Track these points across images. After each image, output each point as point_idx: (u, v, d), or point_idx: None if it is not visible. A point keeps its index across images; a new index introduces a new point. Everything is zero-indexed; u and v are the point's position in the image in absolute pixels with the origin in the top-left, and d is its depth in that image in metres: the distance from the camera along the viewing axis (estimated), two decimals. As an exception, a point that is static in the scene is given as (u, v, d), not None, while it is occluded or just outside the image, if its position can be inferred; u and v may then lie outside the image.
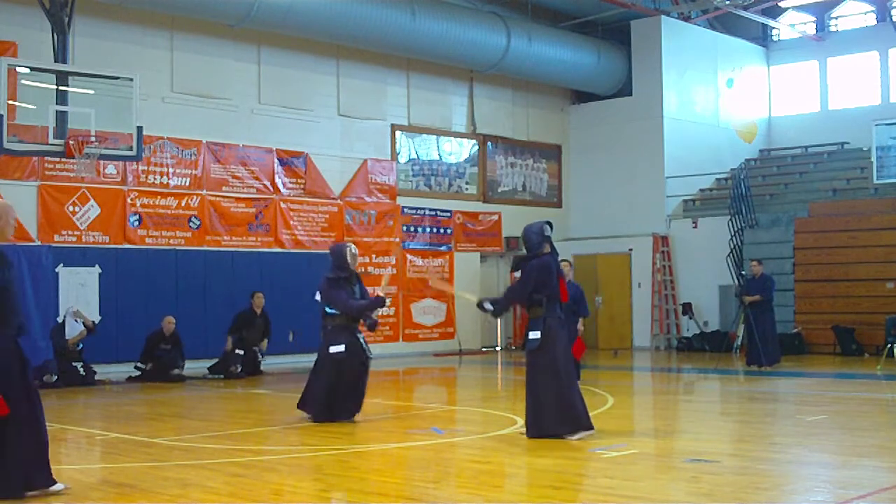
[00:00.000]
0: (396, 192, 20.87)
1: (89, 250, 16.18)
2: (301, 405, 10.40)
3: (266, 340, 16.44)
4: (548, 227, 9.08)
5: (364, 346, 10.31)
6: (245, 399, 13.38)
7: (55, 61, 13.70)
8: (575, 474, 7.34)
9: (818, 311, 19.82)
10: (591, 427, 8.82)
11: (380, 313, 19.92)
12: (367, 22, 18.73)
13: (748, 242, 20.84)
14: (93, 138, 13.13)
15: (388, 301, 10.37)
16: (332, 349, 10.08)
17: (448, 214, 21.91)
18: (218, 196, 17.97)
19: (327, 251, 18.99)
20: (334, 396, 10.07)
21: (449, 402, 13.39)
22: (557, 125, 24.74)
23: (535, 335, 8.82)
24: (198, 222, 17.66)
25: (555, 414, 8.68)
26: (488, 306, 9.29)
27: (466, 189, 22.57)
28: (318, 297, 10.46)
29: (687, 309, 21.89)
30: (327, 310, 10.24)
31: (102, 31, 16.61)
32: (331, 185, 19.66)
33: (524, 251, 9.29)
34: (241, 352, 16.00)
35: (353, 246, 10.57)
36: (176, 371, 15.34)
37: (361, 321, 10.44)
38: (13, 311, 6.33)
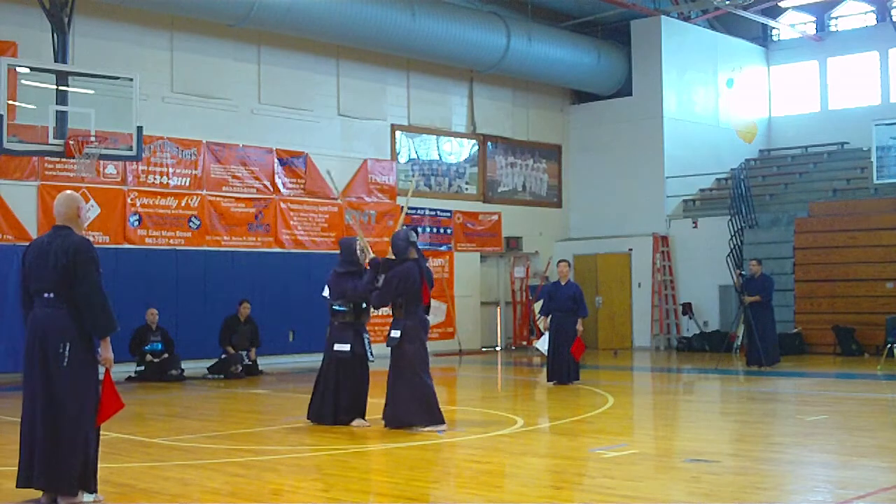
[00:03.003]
0: (396, 192, 20.87)
1: (89, 250, 16.16)
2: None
3: (254, 349, 16.38)
4: (413, 233, 9.91)
5: (368, 347, 10.14)
6: (245, 399, 13.38)
7: (55, 61, 13.70)
8: (575, 474, 7.34)
9: (818, 311, 19.82)
10: (442, 421, 9.43)
11: (376, 312, 20.00)
12: (367, 22, 18.73)
13: (748, 242, 20.85)
14: (93, 138, 13.13)
15: (375, 258, 9.93)
16: (337, 347, 9.94)
17: (448, 214, 21.90)
18: (218, 196, 17.97)
19: (329, 250, 18.95)
20: (335, 398, 9.89)
21: (449, 402, 13.35)
22: (557, 125, 24.73)
23: (395, 334, 9.59)
24: (198, 222, 17.66)
25: (409, 405, 9.40)
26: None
27: (466, 189, 22.57)
28: (325, 292, 10.24)
29: (687, 309, 21.89)
30: (335, 307, 10.08)
31: (102, 31, 16.61)
32: (331, 185, 19.64)
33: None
34: (226, 355, 15.99)
35: (362, 240, 10.40)
36: (174, 371, 15.36)
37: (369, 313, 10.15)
38: None
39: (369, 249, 10.23)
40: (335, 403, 9.89)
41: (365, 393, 10.08)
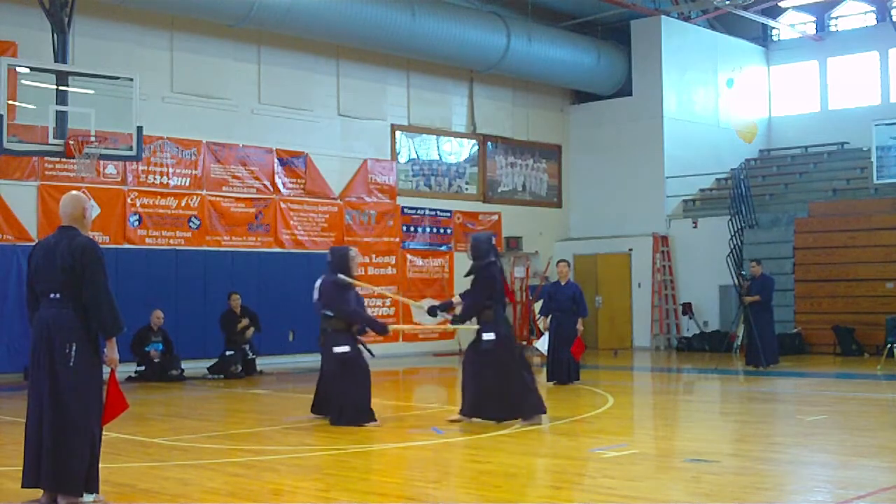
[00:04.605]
0: (396, 192, 20.86)
1: (89, 250, 16.15)
2: (328, 413, 10.09)
3: (251, 329, 16.19)
4: (493, 236, 10.41)
5: (365, 346, 10.22)
6: (245, 399, 13.37)
7: (55, 61, 13.69)
8: (575, 474, 7.35)
9: (818, 311, 19.82)
10: (545, 410, 9.93)
11: (377, 312, 20.14)
12: (367, 22, 18.73)
13: (748, 242, 20.84)
14: (93, 138, 13.13)
15: (390, 331, 10.48)
16: (337, 350, 9.96)
17: (448, 214, 21.90)
18: (218, 196, 17.97)
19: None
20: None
21: (449, 402, 13.35)
22: (557, 125, 24.73)
23: (489, 336, 9.83)
24: (198, 222, 17.66)
25: (533, 398, 9.77)
26: (444, 314, 10.57)
27: (466, 189, 22.57)
28: (315, 296, 10.35)
29: (687, 309, 21.89)
30: (326, 313, 10.12)
31: (102, 31, 16.61)
32: (331, 185, 19.66)
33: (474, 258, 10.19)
34: (231, 352, 15.97)
35: (354, 249, 10.53)
36: (174, 372, 15.36)
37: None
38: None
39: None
40: (341, 405, 9.84)
41: (368, 392, 10.05)
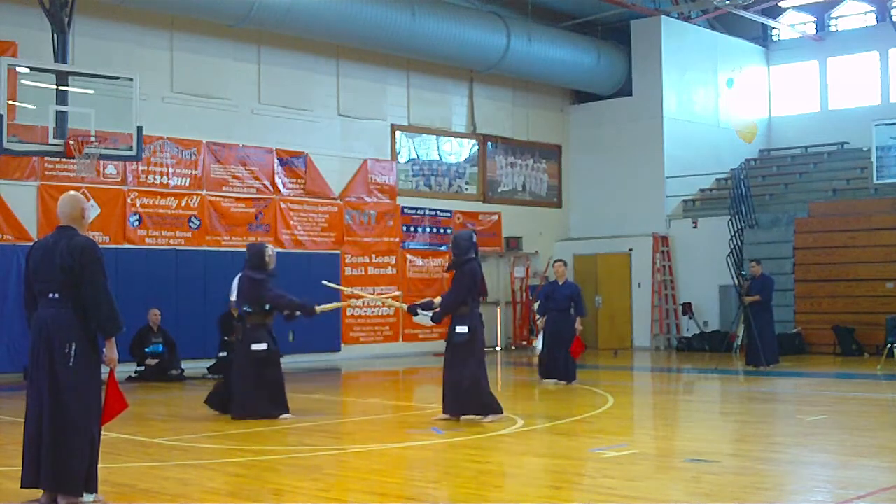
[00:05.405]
0: (396, 192, 20.87)
1: (89, 250, 16.14)
2: (217, 405, 10.66)
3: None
4: (474, 234, 10.50)
5: (276, 343, 10.64)
6: (245, 399, 13.33)
7: (55, 61, 13.69)
8: (575, 474, 7.35)
9: (818, 311, 19.81)
10: (501, 411, 10.00)
11: (377, 312, 20.16)
12: (367, 22, 18.73)
13: (748, 242, 20.84)
14: (93, 138, 13.12)
15: (317, 311, 10.90)
16: (254, 347, 10.34)
17: (448, 214, 21.90)
18: (218, 196, 17.97)
19: (329, 250, 19.07)
20: (258, 394, 10.34)
21: (449, 402, 13.37)
22: (557, 125, 24.73)
23: (462, 329, 9.97)
24: (198, 222, 17.66)
25: (476, 398, 9.86)
26: (424, 313, 10.65)
27: (466, 189, 22.56)
28: (233, 297, 10.81)
29: (687, 309, 21.89)
30: (245, 309, 10.52)
31: (102, 31, 16.61)
32: (331, 185, 19.66)
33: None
34: (224, 353, 15.93)
35: (270, 246, 10.94)
36: (174, 371, 15.35)
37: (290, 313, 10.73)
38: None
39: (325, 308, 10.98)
40: (257, 399, 10.34)
41: (283, 387, 10.62)
